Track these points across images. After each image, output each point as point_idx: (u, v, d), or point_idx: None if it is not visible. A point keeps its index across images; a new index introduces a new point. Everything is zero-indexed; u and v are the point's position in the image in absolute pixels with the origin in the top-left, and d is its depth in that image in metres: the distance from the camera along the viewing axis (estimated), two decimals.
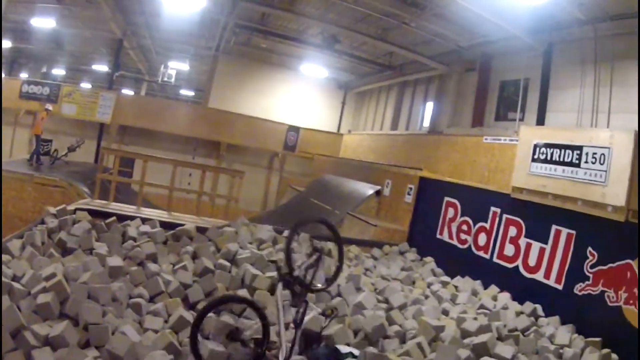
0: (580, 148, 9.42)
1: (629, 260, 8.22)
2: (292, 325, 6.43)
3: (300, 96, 29.80)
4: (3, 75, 24.65)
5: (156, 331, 6.69)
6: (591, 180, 9.10)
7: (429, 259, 12.70)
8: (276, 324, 6.37)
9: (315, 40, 22.33)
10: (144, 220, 11.09)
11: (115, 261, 8.29)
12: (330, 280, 7.70)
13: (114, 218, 10.71)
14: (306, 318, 6.60)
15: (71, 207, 11.13)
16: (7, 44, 28.21)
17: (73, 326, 6.07)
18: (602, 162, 8.94)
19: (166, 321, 7.11)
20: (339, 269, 7.84)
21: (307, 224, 8.30)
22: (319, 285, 7.38)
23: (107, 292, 7.03)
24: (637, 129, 8.82)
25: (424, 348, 7.24)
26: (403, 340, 7.82)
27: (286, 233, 11.88)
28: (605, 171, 8.86)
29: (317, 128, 29.46)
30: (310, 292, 7.15)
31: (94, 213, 11.01)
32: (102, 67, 33.98)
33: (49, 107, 21.57)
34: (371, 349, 6.86)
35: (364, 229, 14.58)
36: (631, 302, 8.05)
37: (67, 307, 6.49)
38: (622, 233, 8.50)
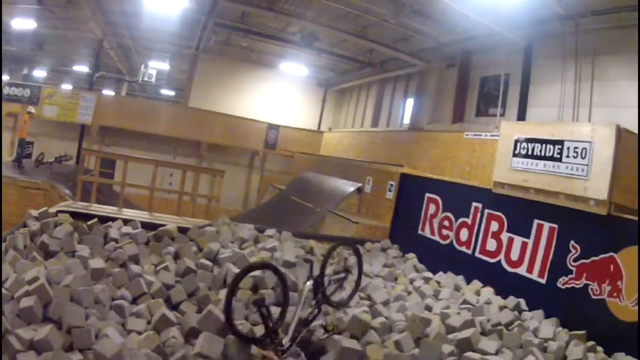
0: (561, 142, 9.47)
1: (612, 254, 8.29)
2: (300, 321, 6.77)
3: (281, 94, 29.75)
4: None
5: (139, 333, 6.63)
6: (573, 175, 9.15)
7: (411, 255, 12.70)
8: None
9: (294, 38, 22.32)
10: (126, 222, 10.96)
11: (97, 263, 8.20)
12: (346, 300, 8.36)
13: (95, 220, 10.56)
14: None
15: (53, 210, 10.99)
16: None
17: (57, 329, 6.01)
18: (583, 156, 8.99)
19: (149, 322, 7.05)
20: (354, 291, 8.56)
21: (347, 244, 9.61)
22: (336, 301, 7.99)
23: (90, 294, 6.94)
24: (617, 123, 8.86)
25: (401, 344, 7.24)
26: (390, 331, 7.90)
27: (268, 232, 12.14)
28: (587, 165, 8.91)
29: (298, 126, 29.48)
30: (327, 303, 7.66)
31: (76, 215, 10.89)
32: (82, 68, 33.66)
33: (32, 109, 21.32)
34: (345, 342, 6.90)
35: (346, 227, 14.56)
36: (615, 294, 8.12)
37: (50, 311, 6.39)
38: (604, 226, 8.57)
